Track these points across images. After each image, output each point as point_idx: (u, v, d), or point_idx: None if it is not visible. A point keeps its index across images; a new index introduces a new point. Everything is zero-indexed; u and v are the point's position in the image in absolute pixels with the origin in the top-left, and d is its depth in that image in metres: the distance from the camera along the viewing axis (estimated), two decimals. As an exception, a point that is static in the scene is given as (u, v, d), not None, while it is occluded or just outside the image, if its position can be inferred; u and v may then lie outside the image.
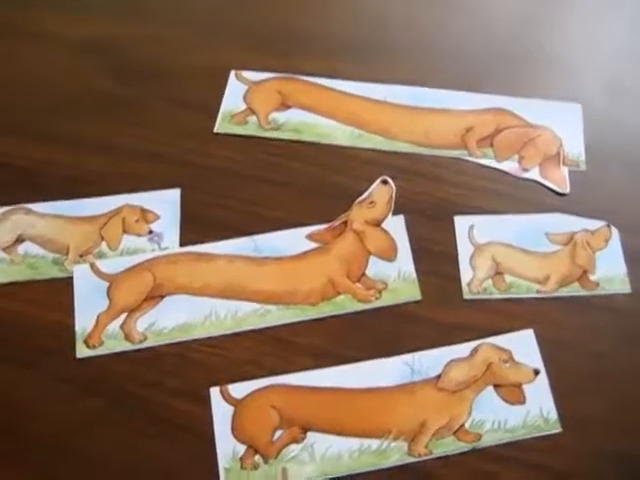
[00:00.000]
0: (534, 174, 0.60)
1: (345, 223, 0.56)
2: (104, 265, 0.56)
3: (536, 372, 0.51)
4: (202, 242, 0.57)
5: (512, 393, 0.51)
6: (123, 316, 0.54)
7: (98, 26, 0.72)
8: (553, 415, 0.50)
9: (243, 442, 0.49)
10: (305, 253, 0.56)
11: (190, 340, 0.53)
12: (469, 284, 0.55)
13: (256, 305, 0.54)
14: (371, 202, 0.57)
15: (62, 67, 0.69)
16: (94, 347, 0.53)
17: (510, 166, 0.60)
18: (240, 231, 0.57)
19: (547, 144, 0.61)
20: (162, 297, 0.55)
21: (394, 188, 0.57)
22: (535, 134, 0.61)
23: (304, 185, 0.60)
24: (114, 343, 0.53)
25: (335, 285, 0.55)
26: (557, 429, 0.49)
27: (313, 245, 0.56)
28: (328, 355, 0.52)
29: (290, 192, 0.59)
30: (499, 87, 0.65)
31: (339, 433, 0.49)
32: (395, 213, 0.57)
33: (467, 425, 0.49)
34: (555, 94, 0.65)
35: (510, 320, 0.53)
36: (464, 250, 0.56)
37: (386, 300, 0.54)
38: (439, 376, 0.51)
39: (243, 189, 0.60)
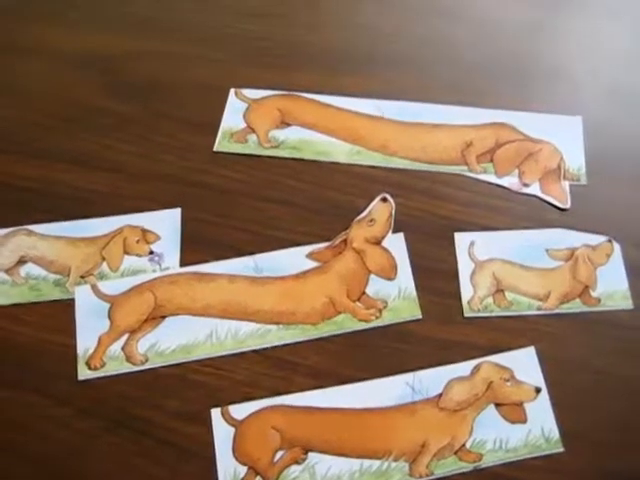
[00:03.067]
0: (535, 189, 0.59)
1: (345, 242, 0.56)
2: (105, 286, 0.56)
3: (537, 390, 0.51)
4: (202, 262, 0.57)
5: (513, 412, 0.50)
6: (125, 337, 0.54)
7: (97, 42, 0.72)
8: (555, 434, 0.49)
9: (244, 463, 0.49)
10: (305, 272, 0.56)
11: (191, 361, 0.53)
12: (469, 302, 0.54)
13: (256, 325, 0.54)
14: (371, 220, 0.57)
15: (61, 83, 0.69)
16: (96, 369, 0.53)
17: (510, 181, 0.60)
18: (240, 250, 0.57)
19: (548, 158, 0.61)
20: (163, 318, 0.55)
21: (394, 205, 0.57)
22: (535, 148, 0.61)
23: (303, 203, 0.60)
24: (116, 365, 0.53)
25: (335, 304, 0.55)
26: (559, 449, 0.49)
27: (313, 264, 0.56)
28: (328, 375, 0.52)
29: (290, 210, 0.59)
30: (498, 101, 0.65)
31: (340, 454, 0.49)
32: (395, 230, 0.57)
33: (468, 445, 0.49)
34: (555, 106, 0.65)
35: (511, 338, 0.53)
36: (464, 267, 0.56)
37: (386, 319, 0.54)
38: (440, 395, 0.51)
39: (243, 208, 0.60)
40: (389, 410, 0.51)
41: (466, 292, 0.55)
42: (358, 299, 0.55)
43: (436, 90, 0.66)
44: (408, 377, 0.52)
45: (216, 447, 0.50)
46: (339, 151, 0.62)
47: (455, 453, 0.49)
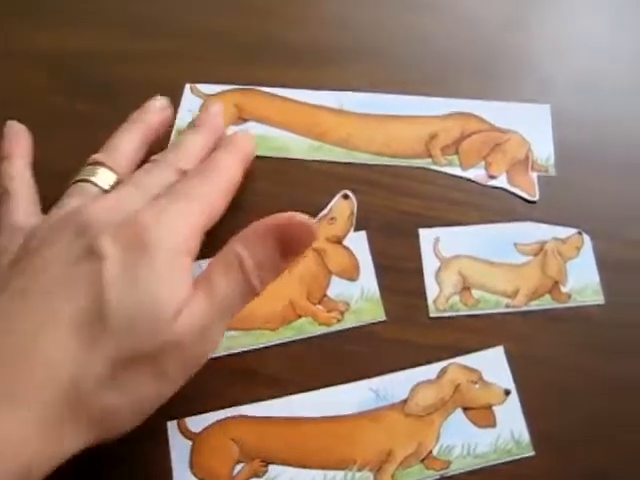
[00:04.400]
0: (502, 181, 0.57)
1: None
2: None
3: (507, 392, 0.49)
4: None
5: (482, 416, 0.48)
6: None
7: (50, 40, 0.69)
8: (525, 438, 0.47)
9: (202, 478, 0.47)
10: None
11: None
12: (435, 301, 0.52)
13: None
14: (332, 218, 0.55)
15: (14, 83, 0.66)
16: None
17: (476, 174, 0.58)
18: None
19: (515, 148, 0.59)
20: None
21: (355, 202, 0.55)
22: (503, 139, 0.59)
23: (260, 203, 0.57)
24: None
25: (295, 308, 0.52)
26: (529, 452, 0.47)
27: None
28: (290, 383, 0.50)
29: (245, 213, 0.57)
30: (464, 91, 0.62)
31: (302, 465, 0.47)
32: (357, 229, 0.55)
33: (435, 452, 0.47)
34: (523, 96, 0.62)
35: (479, 337, 0.51)
36: (430, 265, 0.54)
37: (349, 322, 0.52)
38: (405, 400, 0.49)
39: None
40: (353, 418, 0.48)
41: (431, 291, 0.53)
42: (319, 302, 0.53)
43: (401, 82, 0.63)
44: (372, 382, 0.49)
45: (173, 462, 0.47)
46: (298, 147, 0.60)
47: (422, 461, 0.47)
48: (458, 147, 0.59)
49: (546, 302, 0.52)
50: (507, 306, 0.52)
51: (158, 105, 0.57)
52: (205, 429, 0.48)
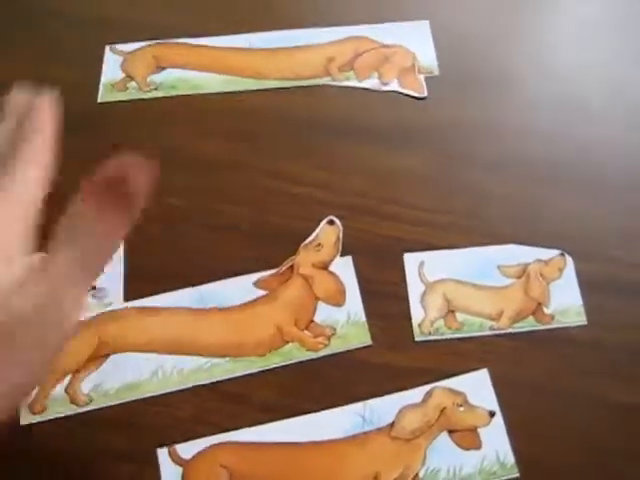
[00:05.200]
0: (394, 86, 0.66)
1: (292, 268, 0.55)
2: None
3: (492, 414, 0.50)
4: (147, 294, 0.55)
5: (467, 438, 0.49)
6: (67, 378, 0.52)
7: None
8: (510, 459, 0.48)
9: (193, 504, 0.48)
10: (252, 302, 0.55)
11: (137, 400, 0.51)
12: (420, 325, 0.53)
13: (203, 359, 0.53)
14: (318, 244, 0.56)
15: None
16: (38, 412, 0.51)
17: (371, 83, 0.67)
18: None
19: (402, 59, 0.68)
20: (107, 356, 0.53)
21: (341, 228, 0.56)
22: (390, 52, 0.68)
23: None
24: (59, 407, 0.51)
25: (283, 334, 0.53)
26: (514, 474, 0.48)
27: (260, 292, 0.55)
28: (278, 408, 0.50)
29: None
30: (353, 18, 0.71)
31: None
32: (343, 253, 0.56)
33: (421, 474, 0.48)
34: (405, 15, 0.71)
35: (463, 360, 0.52)
36: (414, 289, 0.55)
37: (335, 347, 0.53)
38: (392, 424, 0.50)
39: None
40: (340, 442, 0.49)
41: (417, 315, 0.54)
42: (306, 327, 0.54)
43: (296, 16, 0.71)
44: (358, 407, 0.50)
45: (163, 489, 0.48)
46: (214, 83, 0.68)
47: None
48: (353, 65, 0.68)
49: (529, 324, 0.53)
50: (491, 329, 0.53)
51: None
52: (195, 456, 0.49)
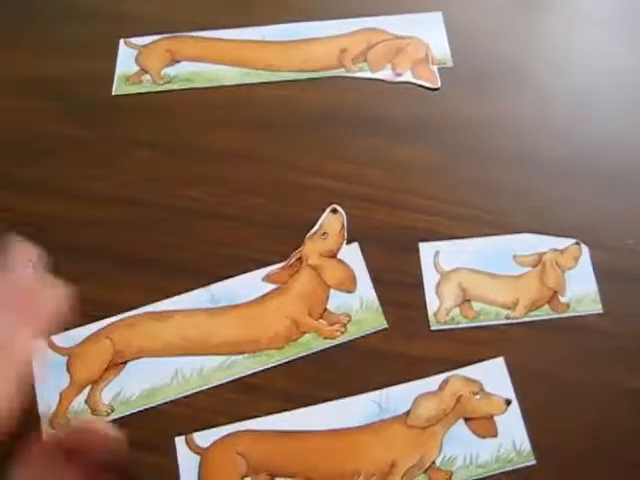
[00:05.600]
0: (407, 77, 0.66)
1: (300, 259, 0.55)
2: (59, 339, 0.53)
3: (508, 402, 0.50)
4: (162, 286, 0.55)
5: (483, 426, 0.49)
6: (87, 389, 0.52)
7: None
8: (526, 447, 0.48)
9: (211, 492, 0.48)
10: (264, 296, 0.55)
11: (159, 405, 0.51)
12: (436, 314, 0.53)
13: (222, 357, 0.53)
14: (323, 234, 0.56)
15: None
16: (59, 426, 0.50)
17: (385, 74, 0.67)
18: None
19: (415, 50, 0.68)
20: (124, 363, 0.53)
21: (344, 216, 0.57)
22: (404, 44, 0.69)
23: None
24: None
25: (299, 325, 0.53)
26: (531, 461, 0.48)
27: (271, 287, 0.55)
28: (295, 397, 0.51)
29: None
30: (366, 9, 0.71)
31: (307, 478, 0.48)
32: (359, 243, 0.56)
33: (438, 462, 0.48)
34: (418, 6, 0.71)
35: (479, 349, 0.52)
36: (430, 278, 0.55)
37: (352, 333, 0.53)
38: (408, 412, 0.50)
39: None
40: (356, 430, 0.49)
41: (432, 304, 0.54)
42: (321, 316, 0.54)
43: (312, 10, 0.72)
44: (375, 395, 0.50)
45: (182, 477, 0.48)
46: (228, 76, 0.68)
47: (425, 471, 0.48)
48: (366, 56, 0.68)
49: (545, 312, 0.53)
50: (507, 317, 0.53)
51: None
52: (213, 444, 0.49)
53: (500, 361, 0.51)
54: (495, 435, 0.49)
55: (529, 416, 0.49)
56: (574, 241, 0.56)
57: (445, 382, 0.51)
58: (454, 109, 0.64)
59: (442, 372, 0.51)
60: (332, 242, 0.56)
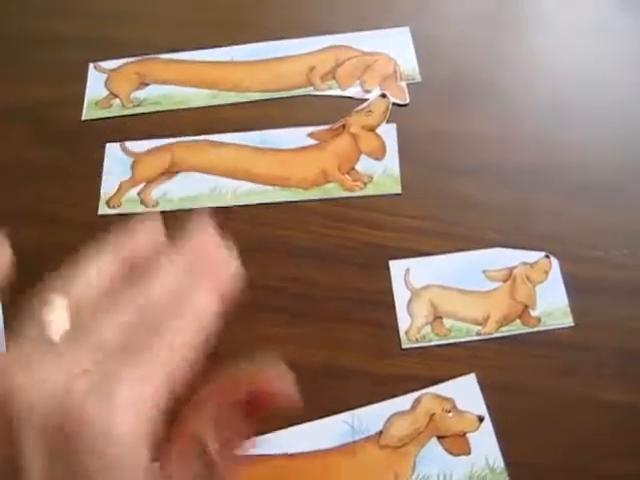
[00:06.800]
0: (376, 93, 0.66)
1: (344, 126, 0.63)
2: (131, 145, 0.65)
3: (480, 419, 0.50)
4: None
5: (456, 443, 0.49)
6: (142, 185, 0.62)
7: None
8: (499, 464, 0.48)
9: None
10: (304, 147, 0.63)
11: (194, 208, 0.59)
12: (407, 332, 0.53)
13: (255, 185, 0.61)
14: (369, 111, 0.64)
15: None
16: (114, 207, 0.61)
17: (354, 91, 0.67)
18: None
19: (383, 66, 0.69)
20: (177, 173, 0.63)
21: (391, 101, 0.64)
22: (372, 60, 0.69)
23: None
24: (131, 205, 0.61)
25: (326, 175, 0.61)
26: (504, 479, 0.48)
27: (312, 142, 0.63)
28: (265, 420, 0.50)
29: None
30: (333, 27, 0.71)
31: None
32: (333, 262, 0.57)
33: (412, 482, 0.48)
34: (385, 22, 0.71)
35: (451, 366, 0.52)
36: (401, 296, 0.55)
37: (369, 190, 0.60)
38: (381, 432, 0.50)
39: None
40: (329, 453, 0.49)
41: (403, 322, 0.54)
42: (347, 173, 0.61)
43: (279, 29, 0.72)
44: (347, 416, 0.50)
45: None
46: (196, 98, 0.69)
47: None
48: (335, 74, 0.69)
49: (516, 327, 0.53)
50: (478, 333, 0.53)
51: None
52: None
53: (472, 377, 0.51)
54: (468, 453, 0.49)
55: (502, 431, 0.49)
56: (544, 254, 0.56)
57: (418, 400, 0.51)
58: (423, 123, 0.64)
59: (414, 390, 0.51)
60: (374, 119, 0.64)
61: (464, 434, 0.49)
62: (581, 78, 0.66)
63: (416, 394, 0.51)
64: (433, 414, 0.50)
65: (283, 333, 0.54)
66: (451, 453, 0.49)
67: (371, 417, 0.50)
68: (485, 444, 0.49)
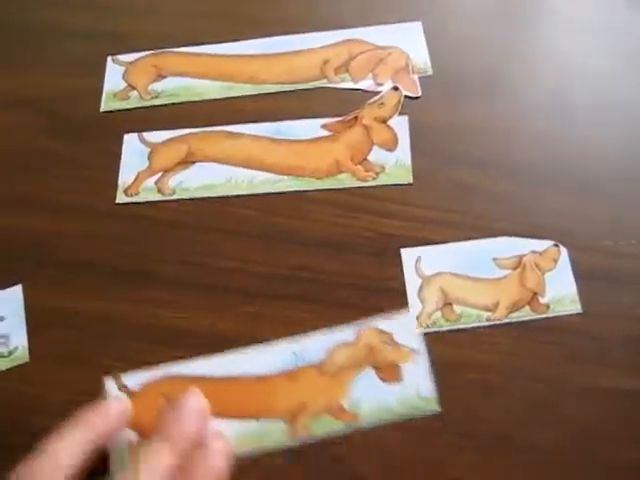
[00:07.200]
0: (388, 86, 0.67)
1: (356, 118, 0.65)
2: (149, 135, 0.66)
3: (414, 352, 0.52)
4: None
5: (390, 372, 0.52)
6: (159, 175, 0.64)
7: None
8: (430, 394, 0.51)
9: (136, 431, 0.51)
10: (318, 138, 0.65)
11: (210, 197, 0.62)
12: (418, 318, 0.54)
13: (270, 175, 0.63)
14: (381, 103, 0.65)
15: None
16: (131, 195, 0.63)
17: (366, 84, 0.68)
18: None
19: (396, 60, 0.70)
20: (193, 163, 0.65)
21: (403, 93, 0.66)
22: (385, 54, 0.70)
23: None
24: (148, 193, 0.63)
25: (339, 165, 0.63)
26: (434, 408, 0.50)
27: (325, 133, 0.65)
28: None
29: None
30: (347, 21, 0.72)
31: (220, 416, 0.51)
32: (340, 251, 0.58)
33: (345, 405, 0.51)
34: (398, 16, 0.72)
35: (461, 351, 0.53)
36: (412, 284, 0.56)
37: (381, 180, 0.62)
38: (323, 360, 0.53)
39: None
40: (273, 377, 0.52)
41: (414, 309, 0.55)
42: (360, 163, 0.63)
43: (294, 24, 0.73)
44: (293, 344, 0.54)
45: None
46: (213, 90, 0.70)
47: (332, 413, 0.51)
48: (348, 67, 0.70)
49: (526, 314, 0.54)
50: (488, 320, 0.54)
51: (114, 410, 0.50)
52: (141, 387, 0.53)
53: (411, 316, 0.54)
54: (400, 380, 0.52)
55: (509, 415, 0.50)
56: (553, 243, 0.57)
57: (359, 333, 0.53)
58: (434, 116, 0.65)
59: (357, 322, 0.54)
60: (386, 111, 0.65)
61: (398, 365, 0.52)
62: (589, 75, 0.67)
63: (357, 326, 0.54)
64: (373, 347, 0.52)
65: (295, 317, 0.55)
66: (384, 381, 0.52)
67: (315, 346, 0.53)
68: (417, 376, 0.52)
